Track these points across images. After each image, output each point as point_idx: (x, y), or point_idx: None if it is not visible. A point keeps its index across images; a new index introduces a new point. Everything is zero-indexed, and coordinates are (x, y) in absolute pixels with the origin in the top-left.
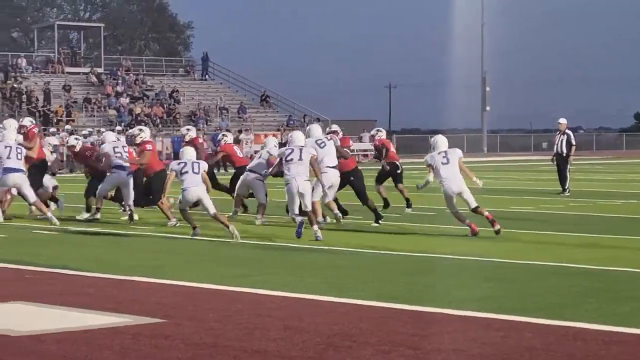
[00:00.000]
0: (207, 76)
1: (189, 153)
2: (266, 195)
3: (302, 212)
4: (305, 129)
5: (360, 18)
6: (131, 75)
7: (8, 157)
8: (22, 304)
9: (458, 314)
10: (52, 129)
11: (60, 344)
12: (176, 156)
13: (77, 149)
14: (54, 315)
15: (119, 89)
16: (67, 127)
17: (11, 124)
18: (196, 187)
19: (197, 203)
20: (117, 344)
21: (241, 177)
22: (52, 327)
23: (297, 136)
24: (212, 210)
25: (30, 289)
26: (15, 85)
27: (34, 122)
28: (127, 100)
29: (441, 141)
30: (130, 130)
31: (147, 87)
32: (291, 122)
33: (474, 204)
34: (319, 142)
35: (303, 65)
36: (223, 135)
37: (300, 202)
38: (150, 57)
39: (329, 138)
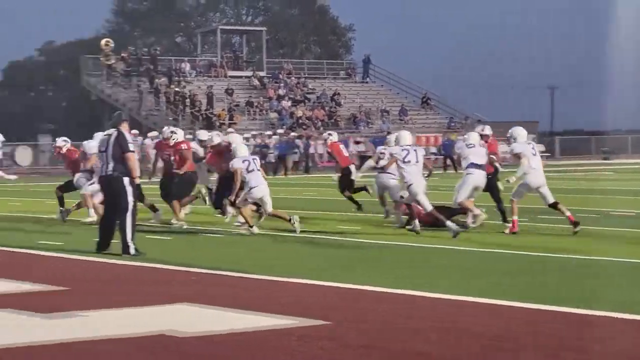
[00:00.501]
0: (368, 79)
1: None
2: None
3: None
4: (470, 130)
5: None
6: (293, 78)
7: None
8: (188, 305)
9: (623, 317)
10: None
11: (226, 345)
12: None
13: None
14: (219, 317)
15: (281, 92)
16: (230, 130)
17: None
18: (264, 185)
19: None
20: (283, 345)
21: (375, 178)
22: (218, 329)
23: (405, 136)
24: (270, 209)
25: (196, 291)
26: (178, 90)
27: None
28: (289, 103)
29: (524, 133)
30: (163, 130)
31: (309, 90)
32: (452, 124)
33: (551, 200)
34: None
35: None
36: (329, 134)
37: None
38: (311, 60)
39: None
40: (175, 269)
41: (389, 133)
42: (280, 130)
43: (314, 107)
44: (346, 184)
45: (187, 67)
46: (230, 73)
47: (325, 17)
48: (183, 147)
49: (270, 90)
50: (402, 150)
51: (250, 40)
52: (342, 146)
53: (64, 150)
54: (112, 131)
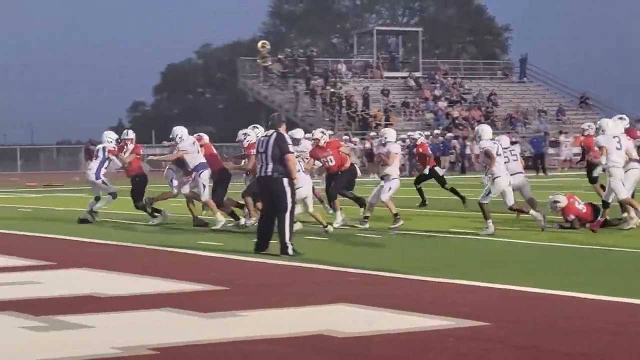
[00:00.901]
0: (525, 78)
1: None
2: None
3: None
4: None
5: None
6: (449, 78)
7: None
8: (346, 306)
9: None
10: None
11: (385, 345)
12: None
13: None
14: (376, 317)
15: (437, 92)
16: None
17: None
18: (308, 186)
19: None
20: (442, 346)
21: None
22: (376, 329)
23: (488, 130)
24: (311, 208)
25: (353, 291)
26: (334, 91)
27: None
28: (445, 103)
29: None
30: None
31: (465, 91)
32: None
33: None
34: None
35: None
36: (419, 134)
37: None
38: (467, 60)
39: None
40: (333, 269)
41: (546, 134)
42: (436, 131)
43: (470, 108)
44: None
45: (343, 68)
46: (386, 74)
47: (481, 16)
48: (252, 152)
49: (426, 91)
50: (493, 143)
51: (406, 41)
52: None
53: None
54: (271, 132)
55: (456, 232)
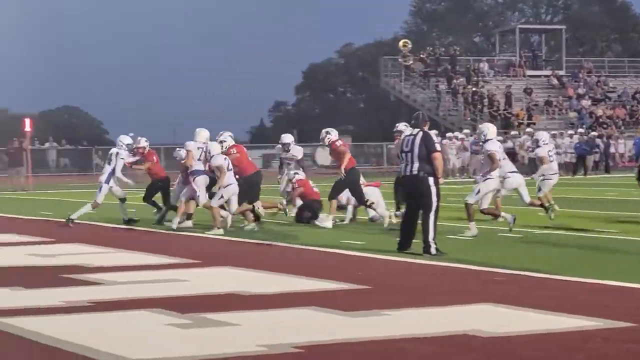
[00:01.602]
0: None
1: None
2: None
3: None
4: None
5: None
6: (593, 77)
7: None
8: (491, 305)
9: None
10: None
11: (530, 345)
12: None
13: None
14: (521, 317)
15: (580, 91)
16: (529, 130)
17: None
18: (234, 185)
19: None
20: (587, 347)
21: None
22: (520, 329)
23: (493, 130)
24: (234, 208)
25: (497, 291)
26: (476, 89)
27: None
28: (589, 102)
29: None
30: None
31: (609, 89)
32: None
33: None
34: None
35: None
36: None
37: None
38: (612, 58)
39: None
40: (477, 268)
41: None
42: (580, 130)
43: (615, 106)
44: None
45: (485, 66)
46: (529, 72)
47: (627, 14)
48: (341, 148)
49: (569, 89)
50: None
51: (549, 39)
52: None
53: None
54: (416, 131)
55: (599, 232)
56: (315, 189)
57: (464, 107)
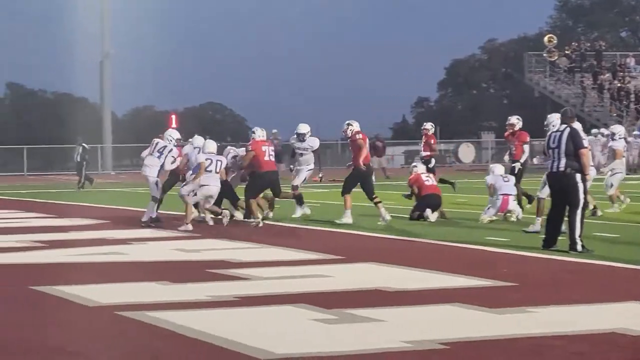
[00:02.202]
0: None
1: None
2: None
3: None
4: None
5: None
6: None
7: None
8: (639, 304)
9: None
10: None
11: None
12: None
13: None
14: None
15: None
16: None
17: None
18: (215, 187)
19: None
20: None
21: None
22: None
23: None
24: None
25: None
26: (622, 85)
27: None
28: None
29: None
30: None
31: None
32: None
33: None
34: None
35: None
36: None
37: None
38: None
39: None
40: (625, 266)
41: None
42: None
43: None
44: None
45: (631, 62)
46: None
47: None
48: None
49: None
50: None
51: None
52: None
53: None
54: (564, 127)
55: None
56: (432, 182)
57: (610, 103)
